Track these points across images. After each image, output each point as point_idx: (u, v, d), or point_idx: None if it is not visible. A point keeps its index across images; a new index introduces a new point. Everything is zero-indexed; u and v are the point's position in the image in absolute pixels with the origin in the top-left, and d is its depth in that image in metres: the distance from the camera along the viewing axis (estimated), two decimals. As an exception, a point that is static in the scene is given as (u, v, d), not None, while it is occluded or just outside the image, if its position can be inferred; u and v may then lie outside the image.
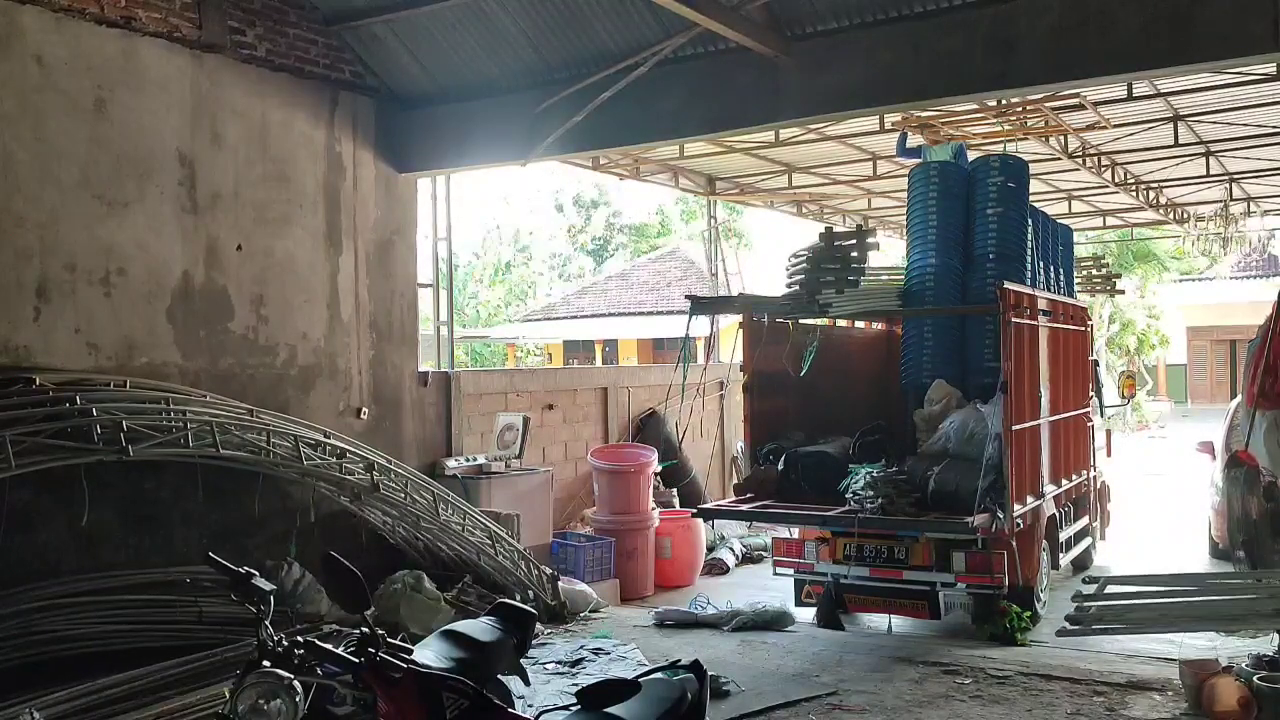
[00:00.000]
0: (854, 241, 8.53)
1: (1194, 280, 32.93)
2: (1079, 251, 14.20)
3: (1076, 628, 4.89)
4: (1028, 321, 8.34)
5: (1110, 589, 6.33)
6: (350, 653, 3.33)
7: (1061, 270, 10.81)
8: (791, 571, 8.68)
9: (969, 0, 6.85)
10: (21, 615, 6.11)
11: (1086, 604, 6.13)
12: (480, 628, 4.22)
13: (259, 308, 7.97)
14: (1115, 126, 11.37)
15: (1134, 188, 15.10)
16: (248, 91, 7.92)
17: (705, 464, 12.63)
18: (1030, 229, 9.60)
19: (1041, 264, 9.96)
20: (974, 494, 7.51)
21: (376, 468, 7.49)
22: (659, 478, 11.16)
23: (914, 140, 10.67)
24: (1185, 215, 17.95)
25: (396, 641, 3.53)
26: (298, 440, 7.12)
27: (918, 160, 10.15)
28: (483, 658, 4.01)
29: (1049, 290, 9.90)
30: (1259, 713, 5.49)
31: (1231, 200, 16.46)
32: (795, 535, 8.78)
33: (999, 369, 7.87)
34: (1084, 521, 10.32)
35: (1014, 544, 7.81)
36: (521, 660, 4.34)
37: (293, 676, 3.13)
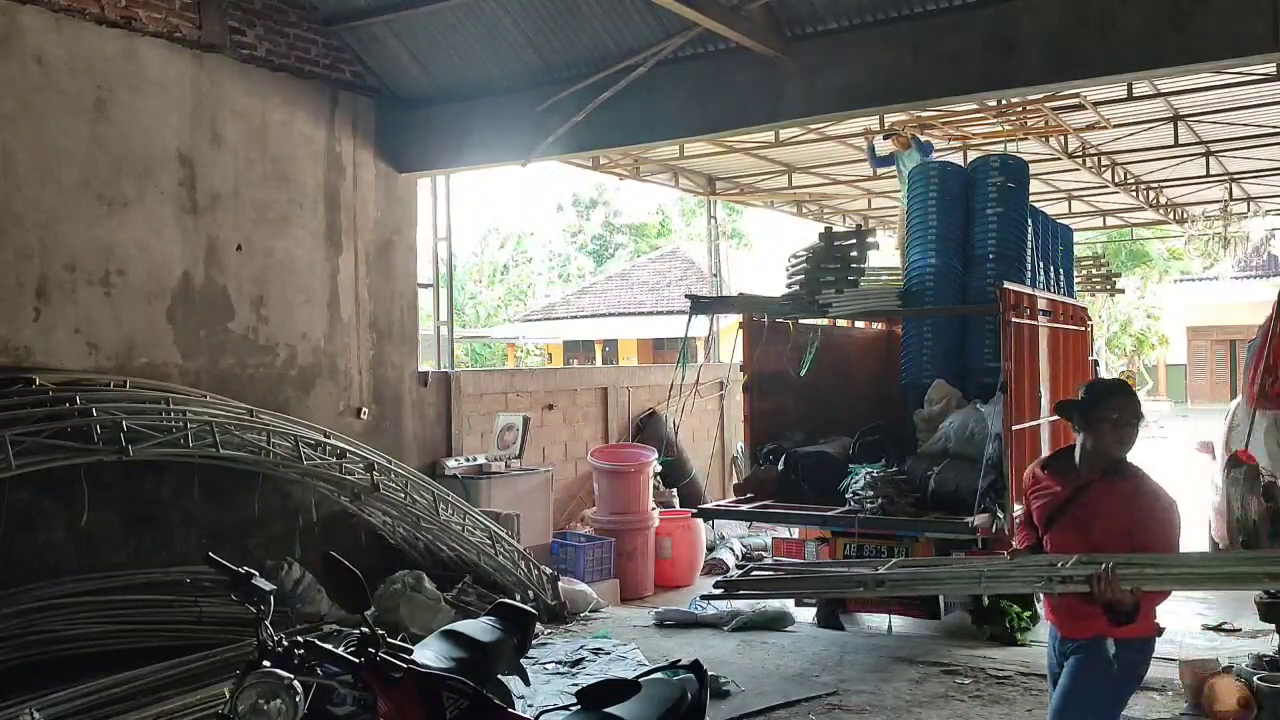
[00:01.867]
0: (854, 241, 8.55)
1: (1194, 280, 32.93)
2: (1078, 252, 14.20)
3: (718, 592, 5.26)
4: (1027, 321, 8.33)
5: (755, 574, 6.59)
6: (350, 653, 3.32)
7: (1061, 270, 10.80)
8: (791, 571, 8.68)
9: (969, 0, 6.86)
10: (21, 615, 6.10)
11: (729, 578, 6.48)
12: (480, 628, 4.22)
13: (259, 308, 7.97)
14: (1115, 126, 11.38)
15: (1134, 188, 15.12)
16: (248, 91, 7.92)
17: (705, 464, 12.63)
18: (1030, 229, 9.60)
19: (1041, 264, 9.96)
20: (974, 494, 7.50)
21: (376, 468, 7.48)
22: (659, 477, 11.15)
23: (883, 149, 10.69)
24: (1185, 215, 17.96)
25: (396, 641, 3.52)
26: (298, 440, 7.11)
27: (892, 168, 10.14)
28: (483, 658, 4.00)
29: (1049, 290, 9.89)
30: (1259, 713, 5.49)
31: (1231, 200, 16.48)
32: (795, 535, 8.79)
33: (999, 369, 7.85)
34: (1084, 521, 10.30)
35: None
36: (521, 660, 4.33)
37: (293, 676, 3.11)
